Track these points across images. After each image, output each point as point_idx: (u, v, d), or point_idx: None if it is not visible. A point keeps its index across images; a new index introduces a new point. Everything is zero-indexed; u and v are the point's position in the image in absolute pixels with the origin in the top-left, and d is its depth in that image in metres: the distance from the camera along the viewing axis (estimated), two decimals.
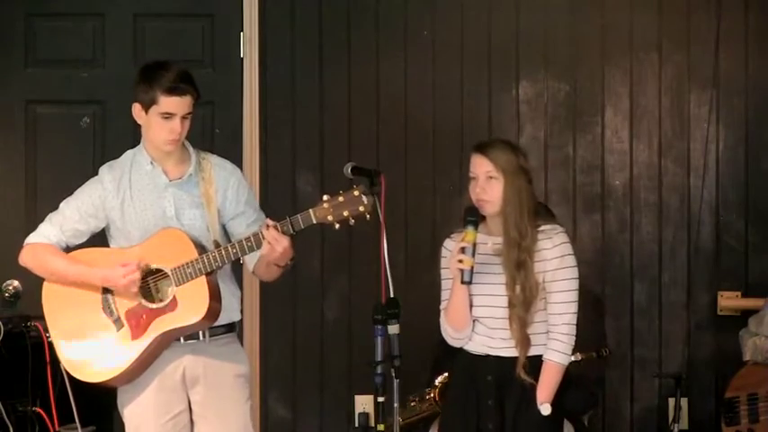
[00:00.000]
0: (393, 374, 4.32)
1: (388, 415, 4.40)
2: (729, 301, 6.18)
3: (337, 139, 6.30)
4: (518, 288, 4.36)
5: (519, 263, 4.37)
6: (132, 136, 6.26)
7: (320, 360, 6.30)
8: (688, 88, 6.24)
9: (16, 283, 6.07)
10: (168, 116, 4.42)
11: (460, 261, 4.32)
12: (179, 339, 4.48)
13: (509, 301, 4.38)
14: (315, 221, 4.28)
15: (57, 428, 5.48)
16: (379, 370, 4.32)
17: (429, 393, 5.39)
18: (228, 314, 4.54)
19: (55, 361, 5.49)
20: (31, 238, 4.58)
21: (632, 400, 6.24)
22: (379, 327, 4.32)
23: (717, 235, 6.22)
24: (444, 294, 4.50)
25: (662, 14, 6.25)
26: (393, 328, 4.32)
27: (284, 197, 6.26)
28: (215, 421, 4.53)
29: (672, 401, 5.90)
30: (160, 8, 6.40)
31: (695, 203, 6.22)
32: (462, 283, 4.34)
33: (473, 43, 6.29)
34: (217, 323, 4.48)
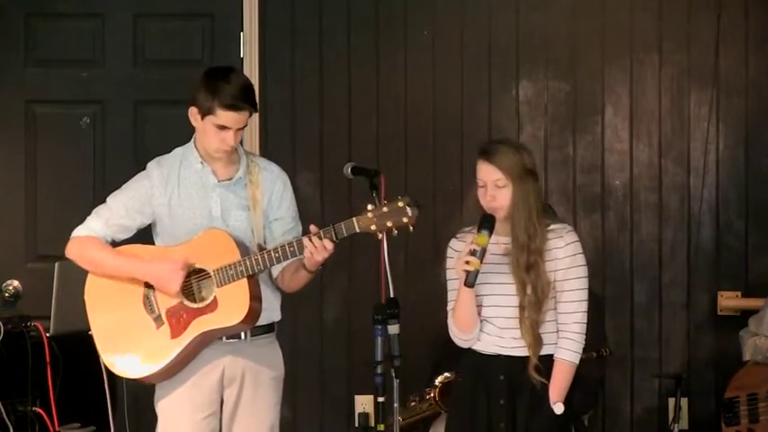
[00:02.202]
0: (393, 374, 4.31)
1: (388, 415, 4.40)
2: (729, 301, 6.18)
3: (337, 139, 6.30)
4: (529, 289, 4.34)
5: (528, 265, 4.34)
6: (132, 136, 6.31)
7: (320, 360, 6.30)
8: (688, 88, 6.25)
9: (16, 283, 6.08)
10: (223, 128, 4.41)
11: (467, 263, 4.32)
12: (220, 338, 4.47)
13: (520, 304, 4.36)
14: (358, 230, 4.25)
15: (57, 428, 5.48)
16: (379, 370, 4.31)
17: (429, 393, 5.39)
18: (268, 314, 4.54)
19: (55, 361, 5.51)
20: (79, 231, 4.53)
21: (632, 400, 6.24)
22: (379, 327, 4.32)
23: (717, 235, 6.23)
24: (451, 295, 4.47)
25: (662, 14, 6.25)
26: (393, 328, 4.32)
27: None
28: (246, 421, 4.53)
29: (672, 401, 5.90)
30: (160, 8, 6.40)
31: (695, 203, 6.23)
32: (466, 284, 4.32)
33: (473, 43, 6.30)
34: (257, 323, 4.47)
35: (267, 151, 6.30)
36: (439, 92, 6.30)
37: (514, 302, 4.38)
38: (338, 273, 6.29)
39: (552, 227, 4.42)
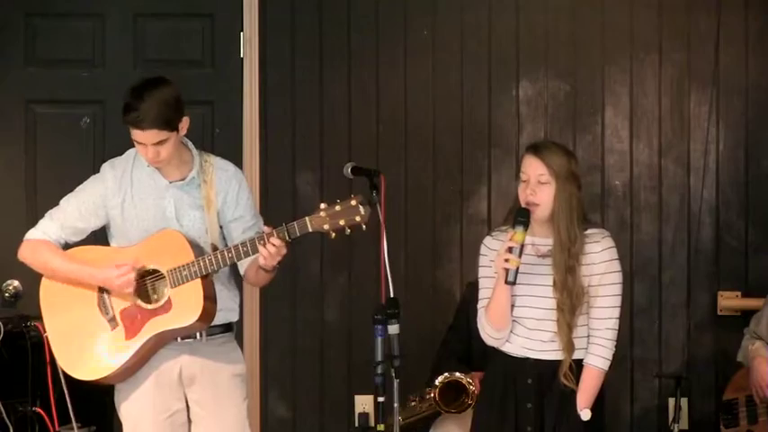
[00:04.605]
0: (393, 374, 4.32)
1: (389, 415, 4.40)
2: (729, 301, 6.18)
3: (337, 139, 6.30)
4: (565, 293, 4.34)
5: (568, 267, 4.35)
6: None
7: (320, 360, 6.30)
8: (688, 88, 6.24)
9: (16, 283, 6.08)
10: (139, 143, 4.44)
11: (507, 260, 4.30)
12: (176, 339, 4.49)
13: (558, 306, 4.35)
14: (311, 230, 4.28)
15: (57, 428, 5.48)
16: (379, 370, 4.32)
17: (429, 393, 5.38)
18: (226, 314, 4.56)
19: (55, 361, 5.50)
20: (31, 234, 4.60)
21: (632, 400, 6.24)
22: (379, 327, 4.32)
23: (717, 235, 6.23)
24: (484, 293, 4.46)
25: (662, 14, 6.25)
26: (393, 328, 4.32)
27: (284, 197, 6.26)
28: (212, 420, 4.54)
29: (672, 402, 5.90)
30: (160, 8, 6.39)
31: (695, 203, 6.22)
32: (506, 282, 4.31)
33: (473, 43, 6.29)
34: (214, 323, 4.49)
35: (267, 151, 6.30)
36: (439, 92, 6.30)
37: (546, 305, 4.37)
38: (338, 273, 6.29)
39: (589, 231, 4.41)
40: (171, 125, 4.41)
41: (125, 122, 4.42)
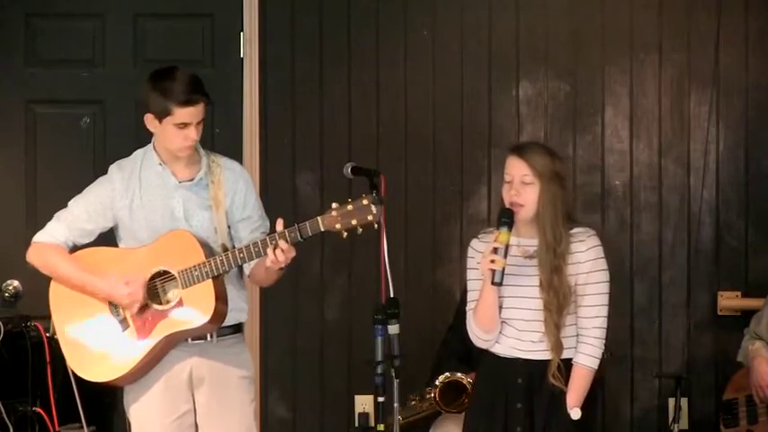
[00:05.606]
0: (393, 374, 4.32)
1: (389, 415, 4.40)
2: (729, 301, 6.18)
3: (337, 139, 6.30)
4: (552, 292, 4.34)
5: (554, 267, 4.35)
6: (132, 136, 6.29)
7: (320, 360, 6.30)
8: (688, 88, 6.25)
9: (16, 283, 6.07)
10: (184, 126, 4.42)
11: (492, 261, 4.30)
12: (186, 340, 4.48)
13: (545, 306, 4.35)
14: (323, 229, 4.27)
15: (57, 428, 5.48)
16: (379, 370, 4.32)
17: (429, 393, 5.38)
18: (236, 315, 4.55)
19: (55, 361, 5.51)
20: (39, 237, 4.57)
21: (632, 400, 6.24)
22: (379, 327, 4.32)
23: (717, 235, 6.23)
24: (472, 295, 4.46)
25: (662, 14, 6.25)
26: (393, 328, 4.32)
27: (284, 197, 6.27)
28: (219, 422, 4.54)
29: (672, 401, 5.90)
30: (160, 8, 6.40)
31: (695, 203, 6.22)
32: (493, 284, 4.30)
33: (473, 43, 6.30)
34: (224, 324, 4.49)
35: (267, 151, 6.31)
36: (439, 92, 6.30)
37: (534, 305, 4.37)
38: (338, 273, 6.29)
39: (574, 231, 4.41)
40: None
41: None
